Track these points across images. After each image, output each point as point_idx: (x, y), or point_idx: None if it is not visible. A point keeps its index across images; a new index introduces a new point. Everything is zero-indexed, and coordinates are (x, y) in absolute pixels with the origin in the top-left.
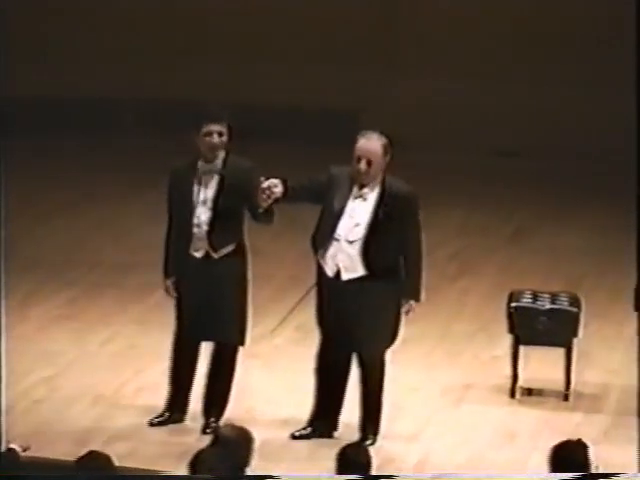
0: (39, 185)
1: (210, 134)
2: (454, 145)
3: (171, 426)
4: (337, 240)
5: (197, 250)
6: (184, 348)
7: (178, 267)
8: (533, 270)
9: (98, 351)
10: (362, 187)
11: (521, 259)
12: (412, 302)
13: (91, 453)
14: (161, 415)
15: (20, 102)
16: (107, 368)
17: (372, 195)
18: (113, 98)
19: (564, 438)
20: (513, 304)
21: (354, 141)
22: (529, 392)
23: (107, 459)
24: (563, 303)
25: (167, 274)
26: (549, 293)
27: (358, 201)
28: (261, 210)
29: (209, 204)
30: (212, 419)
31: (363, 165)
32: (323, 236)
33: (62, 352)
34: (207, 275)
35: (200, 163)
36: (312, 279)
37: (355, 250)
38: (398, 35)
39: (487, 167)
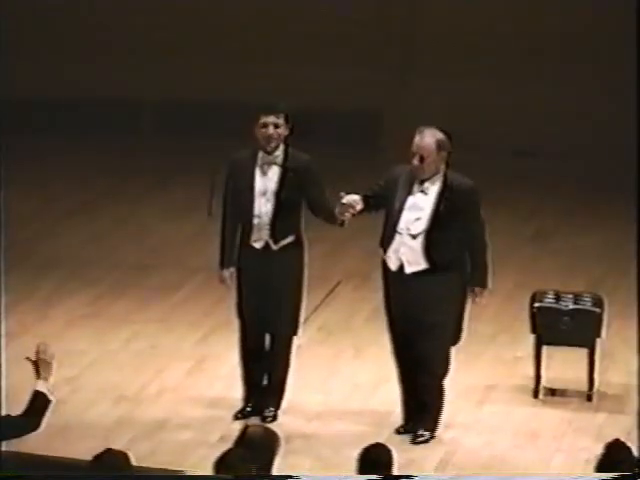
0: (59, 186)
1: (266, 125)
2: (473, 146)
3: (194, 427)
4: (400, 234)
5: (257, 241)
6: (250, 341)
7: (237, 258)
8: (554, 271)
9: (120, 350)
10: (422, 182)
11: (542, 260)
12: (478, 288)
13: (108, 451)
14: (242, 409)
15: (37, 103)
16: (129, 367)
17: (433, 189)
18: (130, 99)
19: (587, 439)
20: (536, 304)
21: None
22: (552, 392)
23: (124, 457)
24: (586, 303)
25: (224, 264)
26: (572, 293)
27: (419, 195)
28: (339, 222)
29: (269, 195)
30: (271, 409)
31: (416, 161)
32: (387, 231)
33: (84, 351)
34: (266, 266)
35: (260, 154)
36: (336, 279)
37: (418, 243)
38: (413, 35)
39: (507, 168)
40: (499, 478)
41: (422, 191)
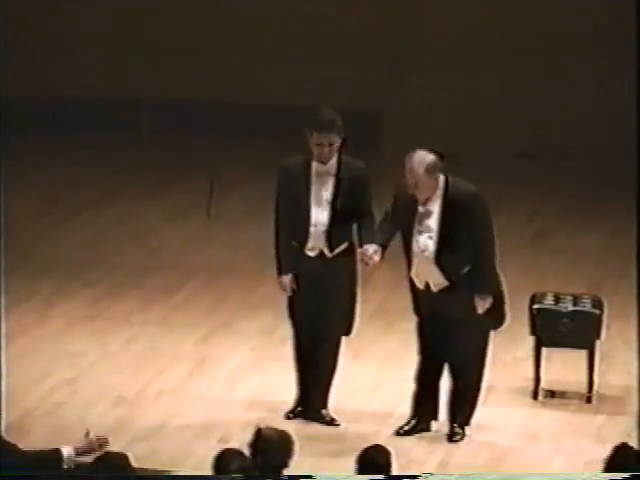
0: (59, 186)
1: (321, 145)
2: (473, 146)
3: (194, 428)
4: (417, 255)
5: (312, 249)
6: (304, 343)
7: (293, 264)
8: (554, 272)
9: (120, 352)
10: (426, 202)
11: (542, 261)
12: (480, 295)
13: (108, 454)
14: (293, 409)
15: (37, 103)
16: (129, 369)
17: (436, 207)
18: (130, 99)
19: (587, 440)
20: (536, 306)
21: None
22: (552, 394)
23: (125, 459)
24: (586, 305)
25: (282, 271)
26: (572, 295)
27: (425, 216)
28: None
29: (325, 205)
30: (324, 410)
31: (411, 188)
32: (406, 254)
33: (83, 353)
34: (320, 273)
35: (314, 164)
36: None
37: (433, 263)
38: (413, 34)
39: (507, 168)
40: (499, 478)
41: (426, 211)
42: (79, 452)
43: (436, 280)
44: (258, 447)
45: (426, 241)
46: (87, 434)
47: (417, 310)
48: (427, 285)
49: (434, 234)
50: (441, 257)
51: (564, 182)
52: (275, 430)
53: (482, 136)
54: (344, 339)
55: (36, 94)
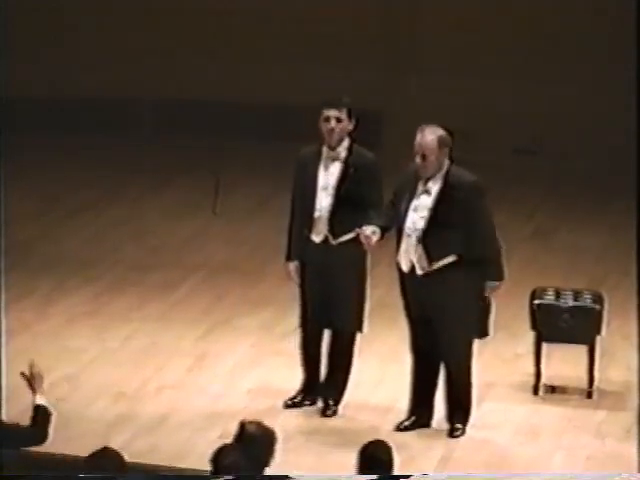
0: (59, 185)
1: (328, 119)
2: (473, 145)
3: (194, 424)
4: (408, 236)
5: (317, 235)
6: (310, 333)
7: (300, 251)
8: (554, 269)
9: (120, 348)
10: (427, 181)
11: (542, 258)
12: (496, 283)
13: (104, 450)
14: (294, 397)
15: (37, 102)
16: (129, 365)
17: (435, 187)
18: (130, 99)
19: (587, 436)
20: (536, 301)
21: None
22: (552, 390)
23: (118, 457)
24: (586, 300)
25: (289, 257)
26: (572, 290)
27: (424, 196)
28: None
29: (330, 190)
30: (331, 402)
31: (419, 159)
32: (397, 234)
33: (83, 349)
34: (324, 260)
35: (324, 150)
36: None
37: (420, 242)
38: (413, 34)
39: (507, 167)
40: (499, 475)
41: (426, 191)
42: (41, 390)
43: (421, 262)
44: (241, 441)
45: (418, 219)
46: (31, 364)
47: (407, 305)
48: (412, 268)
49: (427, 213)
50: (427, 237)
51: (564, 181)
52: (258, 425)
53: (482, 136)
54: None
55: (36, 94)
